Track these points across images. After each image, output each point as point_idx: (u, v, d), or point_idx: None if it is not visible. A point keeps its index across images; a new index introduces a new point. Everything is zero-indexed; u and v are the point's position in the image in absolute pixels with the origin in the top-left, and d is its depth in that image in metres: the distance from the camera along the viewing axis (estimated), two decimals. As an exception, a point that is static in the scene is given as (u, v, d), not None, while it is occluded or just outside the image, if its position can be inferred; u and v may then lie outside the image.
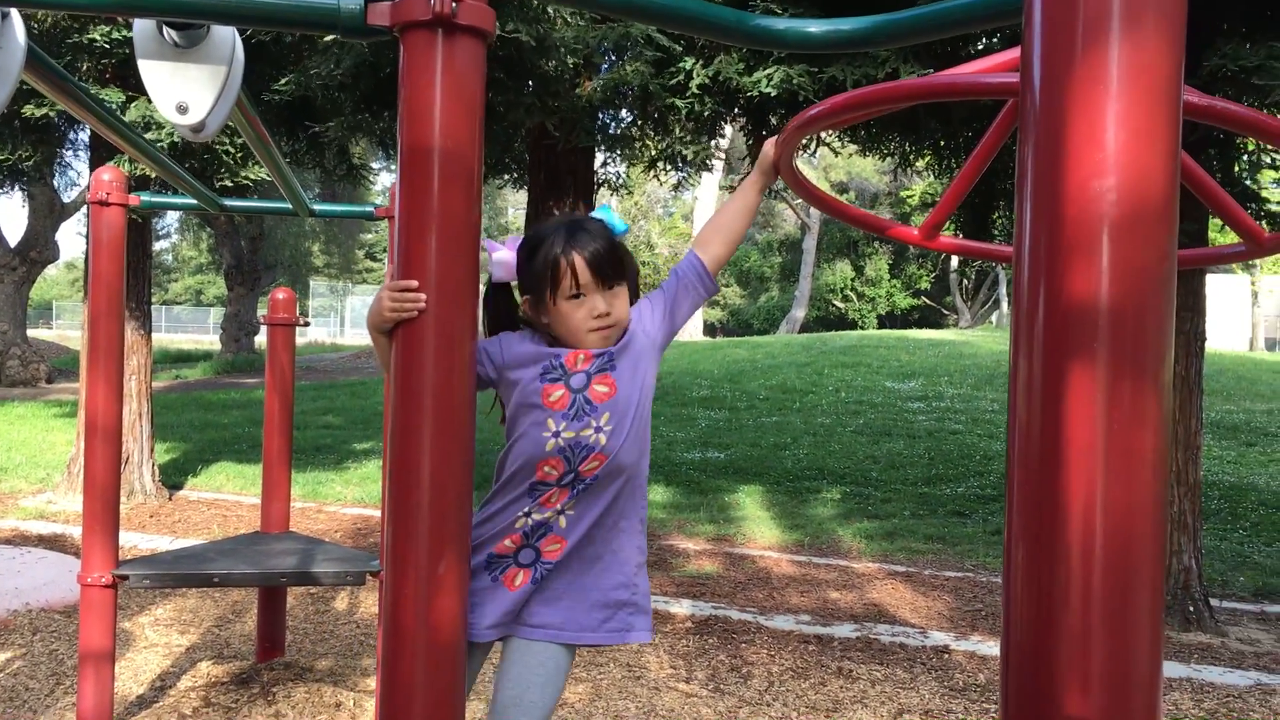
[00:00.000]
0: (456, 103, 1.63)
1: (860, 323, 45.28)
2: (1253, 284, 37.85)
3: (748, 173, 8.24)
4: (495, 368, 2.22)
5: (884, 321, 46.05)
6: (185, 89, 1.62)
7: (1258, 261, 36.79)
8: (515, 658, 2.23)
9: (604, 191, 7.98)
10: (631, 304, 2.26)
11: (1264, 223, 6.15)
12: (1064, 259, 0.95)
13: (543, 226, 2.25)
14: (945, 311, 47.76)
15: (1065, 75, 0.95)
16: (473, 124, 1.65)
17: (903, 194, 33.66)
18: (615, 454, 2.17)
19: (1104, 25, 0.92)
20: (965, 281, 46.37)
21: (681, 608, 6.21)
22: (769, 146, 2.21)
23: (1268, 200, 6.21)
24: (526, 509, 2.17)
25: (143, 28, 1.63)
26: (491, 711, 2.23)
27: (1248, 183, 6.30)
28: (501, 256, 2.25)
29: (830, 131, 8.20)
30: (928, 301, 48.17)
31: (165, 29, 1.60)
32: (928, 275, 46.83)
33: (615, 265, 2.18)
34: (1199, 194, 1.64)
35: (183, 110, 1.65)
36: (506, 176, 8.51)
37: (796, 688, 4.94)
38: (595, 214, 2.29)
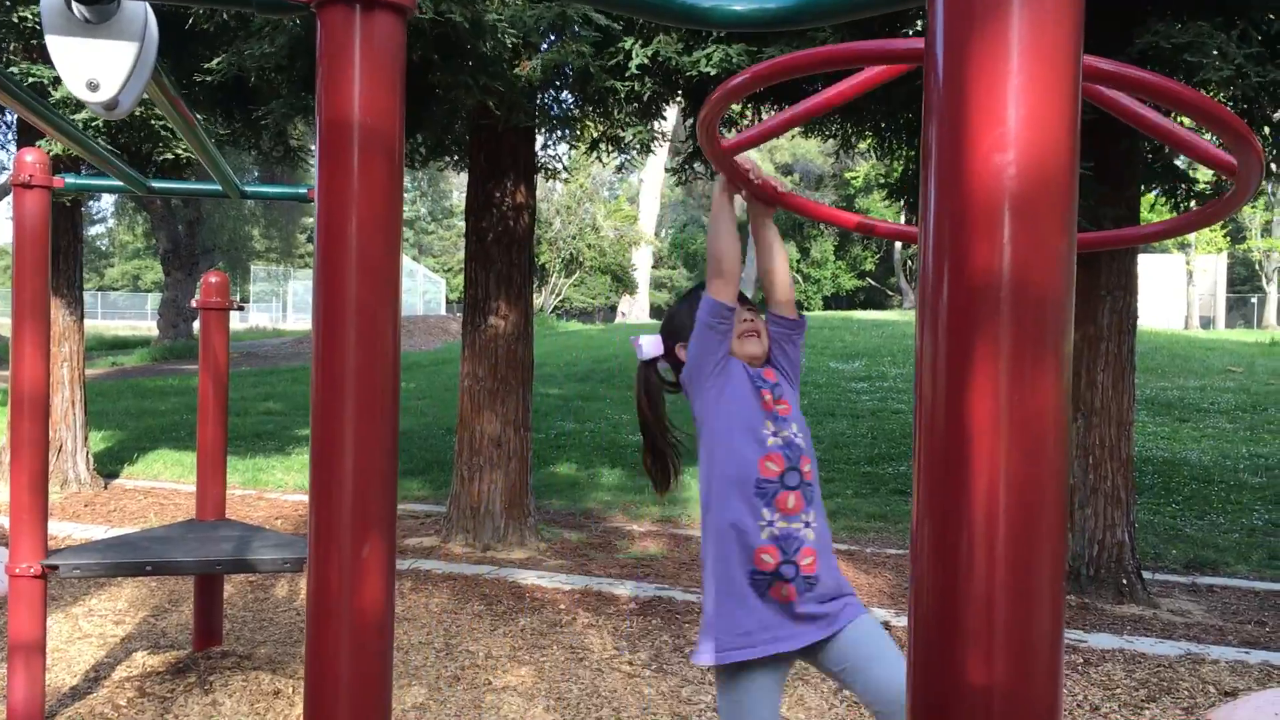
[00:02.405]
0: (376, 80, 1.60)
1: (806, 304, 45.54)
2: (1187, 263, 38.62)
3: (691, 154, 8.18)
4: None
5: (829, 303, 46.40)
6: (96, 66, 1.58)
7: (1191, 240, 37.54)
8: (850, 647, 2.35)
9: (542, 176, 7.94)
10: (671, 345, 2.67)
11: (1192, 202, 6.27)
12: (967, 234, 0.96)
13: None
14: (890, 292, 48.24)
15: (966, 49, 0.95)
16: (393, 102, 1.63)
17: (847, 175, 33.87)
18: None
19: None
20: (909, 263, 46.82)
21: (625, 589, 6.23)
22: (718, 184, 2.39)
23: (1196, 180, 6.33)
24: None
25: (50, 2, 1.58)
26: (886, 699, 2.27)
27: (1177, 163, 6.41)
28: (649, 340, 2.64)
29: (772, 112, 8.22)
30: (872, 283, 48.61)
31: (74, 3, 1.56)
32: (872, 257, 47.24)
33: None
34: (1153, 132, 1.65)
35: (93, 87, 1.61)
36: (447, 159, 8.43)
37: (739, 666, 4.98)
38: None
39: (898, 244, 41.85)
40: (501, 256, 7.06)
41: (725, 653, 2.30)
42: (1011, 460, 0.95)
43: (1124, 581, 6.18)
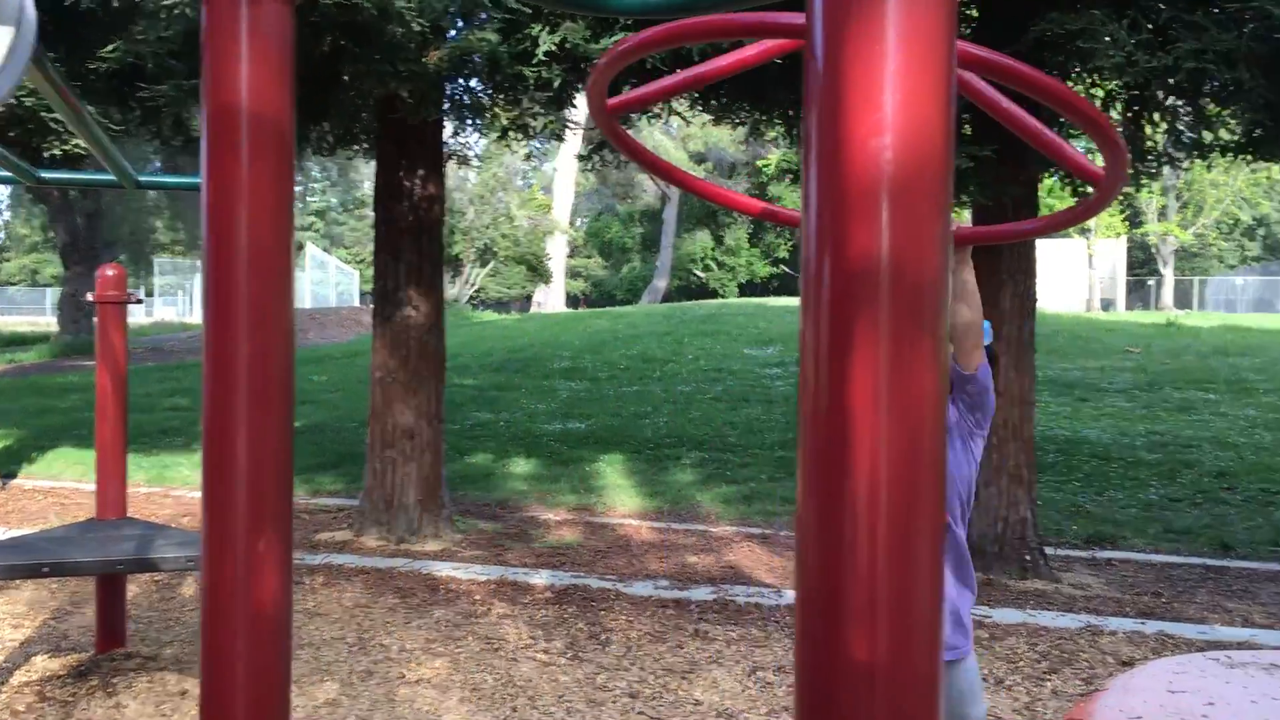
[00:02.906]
0: (264, 66, 1.57)
1: (721, 291, 45.86)
2: (1088, 247, 39.68)
3: (602, 141, 8.12)
4: None
5: (744, 290, 46.76)
6: (-33, 51, 1.52)
7: (1092, 225, 38.57)
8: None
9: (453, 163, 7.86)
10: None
11: (1086, 189, 6.43)
12: (846, 218, 0.97)
13: None
14: (803, 279, 48.71)
15: (844, 33, 0.97)
16: (282, 90, 1.60)
17: (760, 164, 34.14)
18: None
19: (880, -15, 0.94)
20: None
21: (541, 578, 6.22)
22: None
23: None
24: None
25: (-83, -15, 1.52)
26: None
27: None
28: None
29: (681, 100, 8.25)
30: (786, 270, 49.09)
31: (-57, -14, 1.50)
32: (786, 244, 47.71)
33: None
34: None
35: (-35, 74, 1.55)
36: (356, 148, 8.30)
37: (654, 651, 5.01)
38: None
39: (810, 231, 42.28)
40: (411, 246, 6.98)
41: None
42: (891, 440, 0.97)
43: (1027, 557, 6.35)
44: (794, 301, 27.86)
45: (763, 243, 47.73)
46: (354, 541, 7.00)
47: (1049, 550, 6.76)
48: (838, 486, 0.98)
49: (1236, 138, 5.83)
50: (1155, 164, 6.08)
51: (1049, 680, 4.66)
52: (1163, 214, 42.29)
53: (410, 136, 6.86)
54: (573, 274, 49.74)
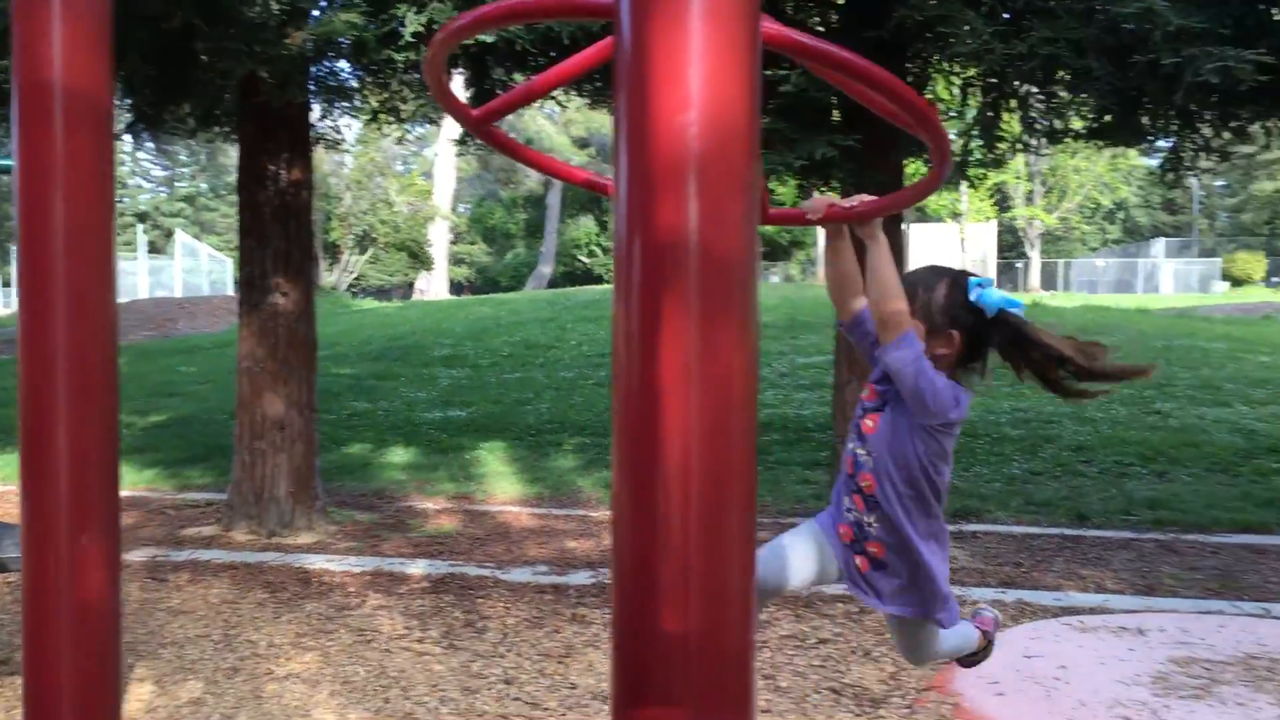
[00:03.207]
0: (78, 34, 1.50)
1: (605, 277, 45.87)
2: (960, 231, 40.84)
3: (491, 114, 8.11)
4: None
5: (628, 275, 46.76)
6: None
7: (963, 210, 39.74)
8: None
9: (321, 147, 7.68)
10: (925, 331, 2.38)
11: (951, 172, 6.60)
12: (654, 194, 0.97)
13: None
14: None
15: (650, 9, 0.97)
16: (100, 66, 1.53)
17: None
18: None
19: (682, -36, 0.94)
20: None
21: (417, 568, 6.15)
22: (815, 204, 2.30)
23: (954, 152, 6.68)
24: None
25: None
26: None
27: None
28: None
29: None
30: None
31: None
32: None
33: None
34: None
35: None
36: (218, 129, 8.04)
37: (531, 637, 5.00)
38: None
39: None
40: (279, 232, 6.80)
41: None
42: (702, 417, 0.97)
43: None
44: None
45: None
46: (222, 536, 6.81)
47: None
48: (649, 464, 0.99)
49: (1088, 124, 6.05)
50: (1010, 149, 6.28)
51: (914, 651, 4.79)
52: (1029, 199, 43.80)
53: (274, 119, 6.68)
54: (456, 261, 49.16)
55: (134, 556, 6.36)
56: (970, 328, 2.39)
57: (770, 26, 1.10)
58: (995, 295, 2.38)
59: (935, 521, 2.48)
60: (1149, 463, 9.13)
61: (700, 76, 0.95)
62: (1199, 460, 9.16)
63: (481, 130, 1.60)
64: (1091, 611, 5.35)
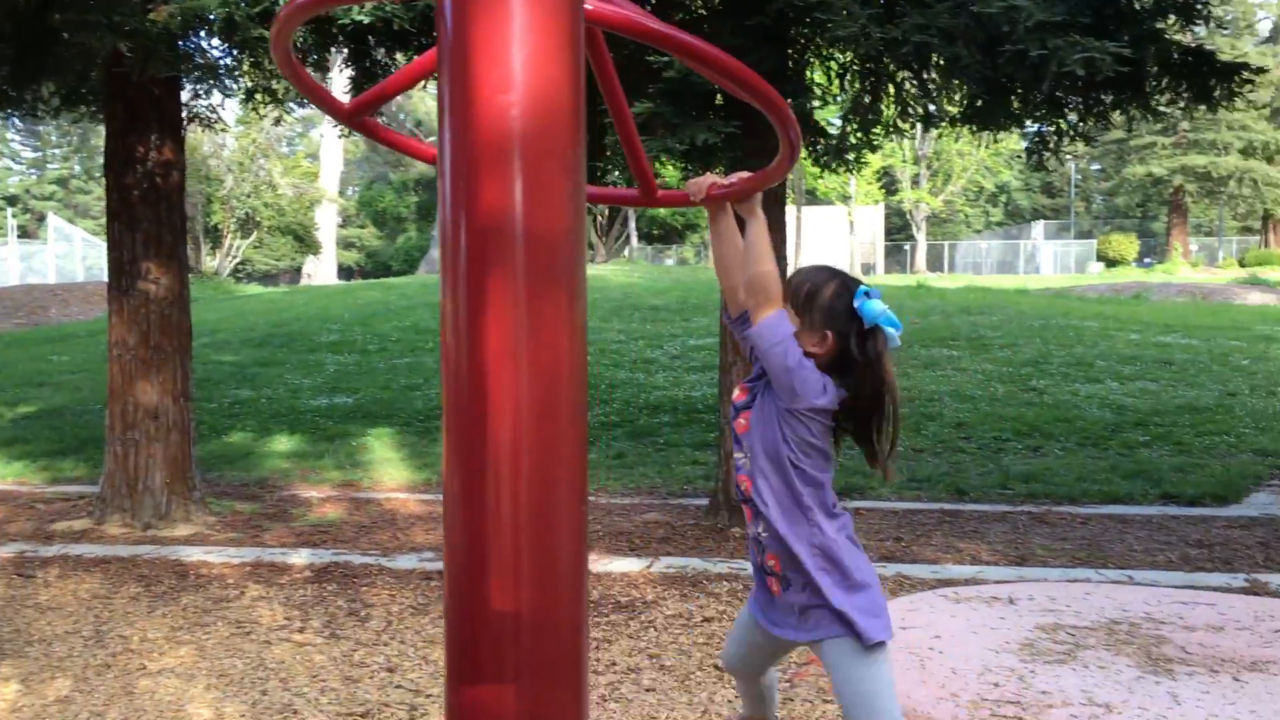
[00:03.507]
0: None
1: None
2: (849, 214, 41.56)
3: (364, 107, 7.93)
4: None
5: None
6: None
7: (852, 193, 40.45)
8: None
9: (195, 126, 7.45)
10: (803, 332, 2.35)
11: (827, 157, 6.71)
12: (478, 173, 0.97)
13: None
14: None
15: (470, -9, 0.96)
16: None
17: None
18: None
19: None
20: (600, 218, 47.77)
21: (300, 558, 6.04)
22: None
23: (832, 137, 6.80)
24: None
25: None
26: None
27: (817, 119, 6.86)
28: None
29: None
30: (563, 238, 49.21)
31: None
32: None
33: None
34: (620, 132, 1.74)
35: None
36: (84, 108, 7.74)
37: (416, 624, 4.96)
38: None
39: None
40: (149, 215, 6.58)
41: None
42: (530, 395, 0.98)
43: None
44: (569, 270, 27.96)
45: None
46: (94, 530, 6.59)
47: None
48: (478, 444, 0.99)
49: (961, 109, 6.22)
50: (885, 133, 6.42)
51: (795, 626, 4.88)
52: (916, 182, 44.80)
53: (142, 98, 6.45)
54: (345, 245, 48.23)
55: (0, 552, 6.12)
56: (844, 334, 2.35)
57: (597, 6, 1.11)
58: (879, 307, 2.36)
59: (817, 530, 2.36)
60: (1024, 438, 9.45)
61: (522, 57, 0.95)
62: (1071, 435, 9.51)
63: (354, 123, 1.57)
64: (966, 583, 5.52)
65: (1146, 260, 44.25)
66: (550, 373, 0.98)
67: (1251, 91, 5.73)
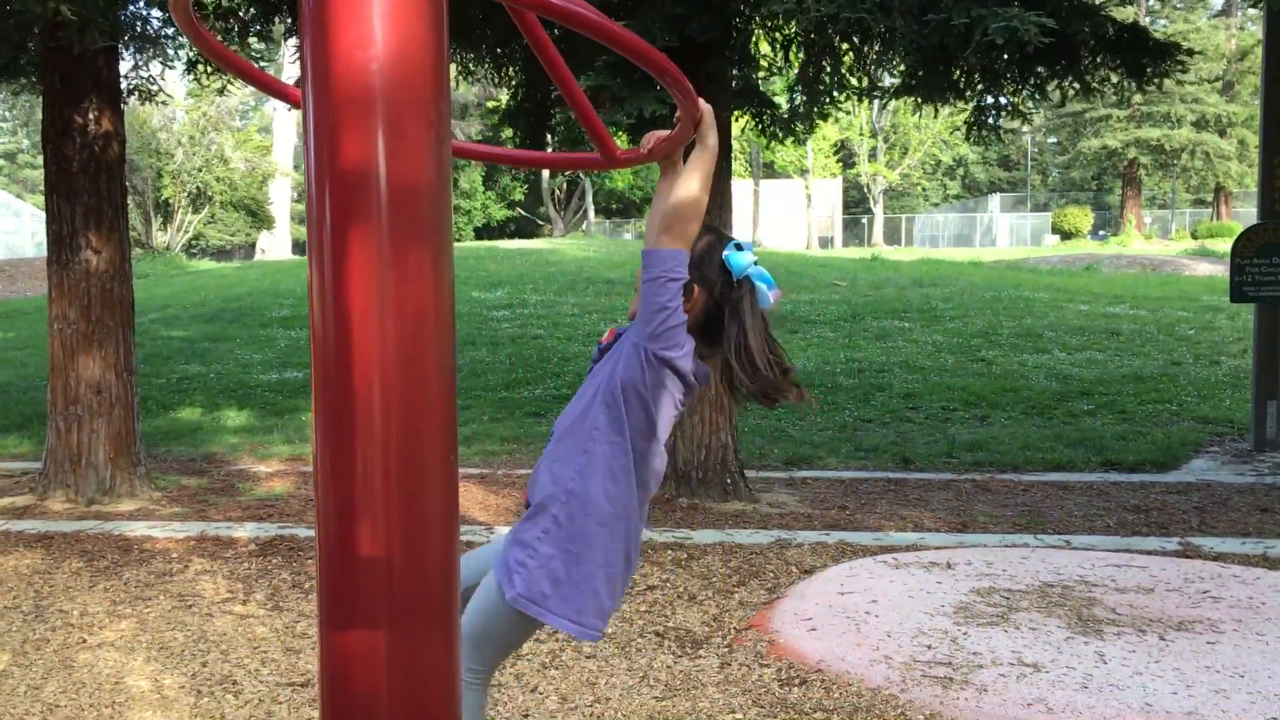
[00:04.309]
0: None
1: (457, 235, 45.20)
2: (806, 188, 41.65)
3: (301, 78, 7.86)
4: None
5: (481, 233, 46.32)
6: None
7: (809, 166, 40.53)
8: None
9: (135, 100, 7.35)
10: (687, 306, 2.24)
11: (775, 129, 6.75)
12: (341, 128, 0.99)
13: None
14: (540, 222, 48.82)
15: (328, -54, 0.97)
16: None
17: (490, 104, 33.77)
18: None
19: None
20: (558, 192, 47.55)
21: (245, 531, 6.02)
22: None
23: (779, 108, 6.82)
24: None
25: None
26: None
27: (762, 89, 6.88)
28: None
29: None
30: (523, 212, 49.00)
31: None
32: (520, 187, 47.54)
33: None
34: (571, 103, 1.76)
35: None
36: (23, 80, 7.61)
37: (360, 595, 4.96)
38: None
39: (545, 173, 42.38)
40: (89, 187, 6.49)
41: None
42: (397, 339, 1.00)
43: (728, 481, 6.69)
44: (527, 244, 27.88)
45: (497, 186, 47.37)
46: (37, 506, 6.53)
47: (750, 473, 7.16)
48: (346, 392, 1.01)
49: (901, 79, 6.26)
50: (825, 103, 6.45)
51: (737, 592, 4.95)
52: (873, 155, 44.97)
53: (80, 69, 6.35)
54: (300, 219, 47.68)
55: (-61, 530, 6.05)
56: (712, 290, 2.29)
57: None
58: (747, 260, 2.29)
59: (575, 476, 2.26)
60: (972, 408, 9.58)
61: (382, 13, 0.97)
62: (1017, 404, 9.65)
63: (201, 39, 1.56)
64: (908, 549, 5.61)
65: (1101, 233, 44.75)
66: (416, 323, 1.00)
67: (1183, 71, 5.81)
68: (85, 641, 4.38)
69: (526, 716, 3.66)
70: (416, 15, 0.98)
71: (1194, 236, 37.70)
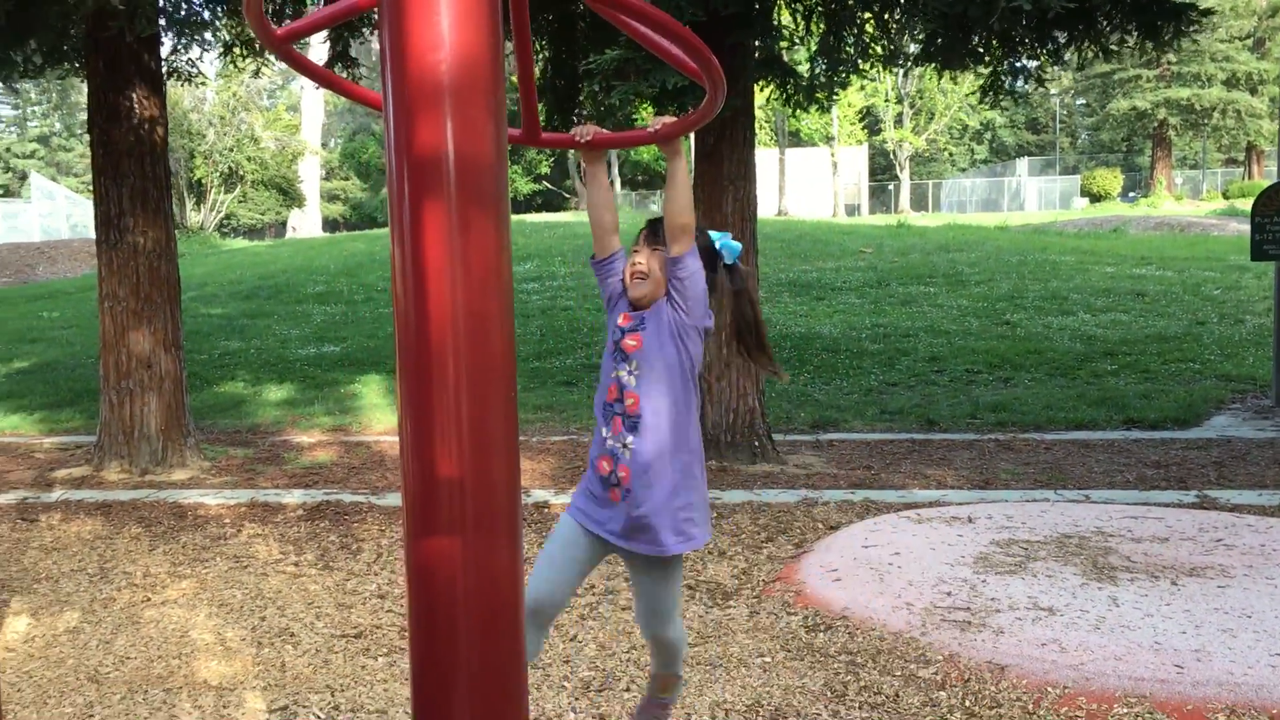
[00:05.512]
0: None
1: (484, 210, 45.30)
2: (832, 156, 41.48)
3: (333, 57, 7.91)
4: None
5: (507, 207, 46.40)
6: None
7: (835, 134, 40.38)
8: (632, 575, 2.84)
9: (174, 81, 7.58)
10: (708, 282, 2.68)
11: (800, 96, 6.88)
12: (416, 118, 1.19)
13: None
14: (566, 195, 48.96)
15: (405, -33, 1.16)
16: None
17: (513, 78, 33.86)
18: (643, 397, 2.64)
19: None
20: (583, 165, 47.55)
21: (293, 497, 6.28)
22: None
23: (802, 77, 6.95)
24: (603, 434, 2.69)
25: None
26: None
27: (785, 59, 7.01)
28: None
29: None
30: (549, 185, 49.16)
31: None
32: (547, 161, 47.68)
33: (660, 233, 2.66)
34: (521, 82, 1.90)
35: None
36: (67, 66, 7.86)
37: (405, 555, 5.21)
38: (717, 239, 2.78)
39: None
40: (135, 170, 6.74)
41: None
42: (466, 291, 1.20)
43: (756, 444, 6.89)
44: (554, 217, 28.05)
45: (524, 159, 47.54)
46: (93, 476, 6.82)
47: (778, 436, 7.35)
48: (425, 334, 1.21)
49: (921, 47, 6.38)
50: (849, 74, 6.58)
51: (765, 547, 5.16)
52: (899, 121, 44.72)
53: (124, 54, 6.58)
54: (330, 197, 48.10)
55: (1, 499, 6.35)
56: (712, 270, 2.74)
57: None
58: (737, 246, 2.82)
59: (698, 437, 2.71)
60: (996, 370, 9.72)
61: (449, 23, 1.16)
62: (1041, 366, 9.78)
63: (281, 51, 1.76)
64: (930, 505, 5.79)
65: (1131, 195, 44.39)
66: (481, 281, 1.20)
67: (1198, 32, 5.90)
68: (150, 600, 4.64)
69: (567, 662, 3.88)
70: (476, 22, 1.18)
71: (1225, 196, 37.35)
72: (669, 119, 2.44)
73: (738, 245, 2.82)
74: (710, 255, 2.75)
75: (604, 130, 2.53)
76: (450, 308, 1.20)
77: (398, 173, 1.20)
